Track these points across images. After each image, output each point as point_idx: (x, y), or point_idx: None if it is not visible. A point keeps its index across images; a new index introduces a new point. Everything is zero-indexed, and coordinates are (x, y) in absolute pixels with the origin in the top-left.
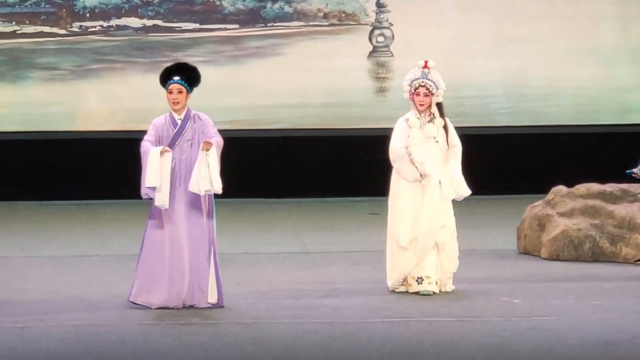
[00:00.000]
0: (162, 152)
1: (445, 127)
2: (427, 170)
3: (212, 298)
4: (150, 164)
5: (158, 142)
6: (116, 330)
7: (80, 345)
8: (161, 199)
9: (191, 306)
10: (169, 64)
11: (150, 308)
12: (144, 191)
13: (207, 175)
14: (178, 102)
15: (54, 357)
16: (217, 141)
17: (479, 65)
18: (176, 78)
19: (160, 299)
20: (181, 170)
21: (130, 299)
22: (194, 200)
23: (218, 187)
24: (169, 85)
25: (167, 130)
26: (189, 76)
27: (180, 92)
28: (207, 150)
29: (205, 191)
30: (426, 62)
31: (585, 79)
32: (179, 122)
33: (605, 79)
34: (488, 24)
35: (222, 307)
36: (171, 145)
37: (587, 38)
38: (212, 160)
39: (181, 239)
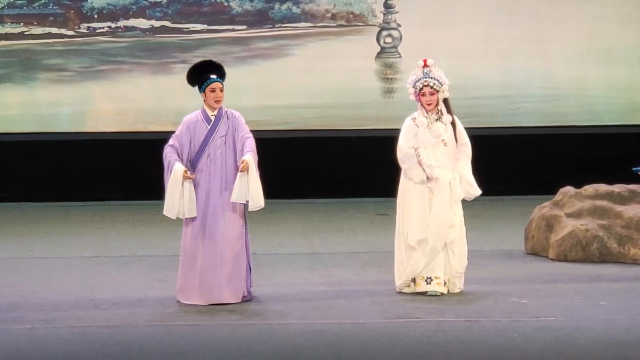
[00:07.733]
0: (183, 177)
1: (453, 124)
2: (435, 174)
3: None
4: (172, 192)
5: (190, 143)
6: (124, 331)
7: (88, 346)
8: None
9: (221, 304)
10: (195, 62)
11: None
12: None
13: (249, 192)
14: (220, 100)
15: (61, 357)
16: (251, 147)
17: (487, 65)
18: (214, 77)
19: (193, 297)
20: (216, 166)
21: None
22: (229, 198)
23: (257, 204)
24: (209, 84)
25: (200, 128)
26: (223, 73)
27: (221, 90)
28: (245, 170)
29: (247, 200)
30: (425, 60)
31: (593, 79)
32: (213, 118)
33: (613, 80)
34: (496, 25)
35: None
36: (205, 141)
37: (594, 39)
38: (252, 178)
39: (216, 235)
